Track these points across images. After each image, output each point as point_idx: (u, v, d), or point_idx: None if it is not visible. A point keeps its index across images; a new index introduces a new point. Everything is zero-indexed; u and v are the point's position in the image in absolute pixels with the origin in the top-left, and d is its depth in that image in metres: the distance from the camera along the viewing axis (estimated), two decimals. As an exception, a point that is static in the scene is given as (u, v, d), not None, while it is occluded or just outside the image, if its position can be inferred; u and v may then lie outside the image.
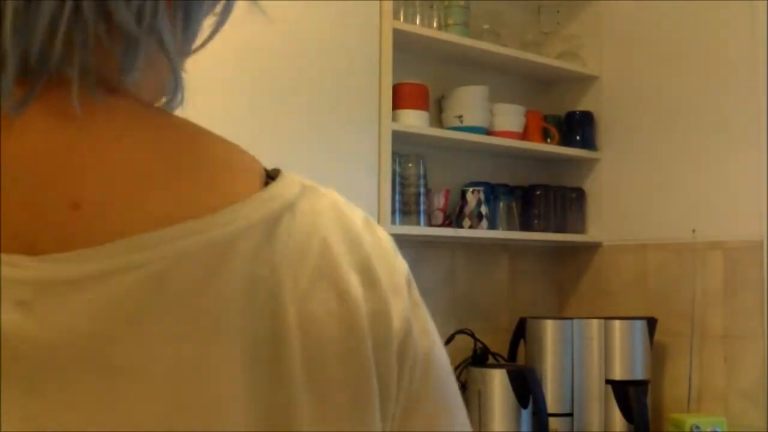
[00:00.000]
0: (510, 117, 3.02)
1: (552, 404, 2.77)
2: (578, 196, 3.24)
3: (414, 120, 2.72)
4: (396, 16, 2.65)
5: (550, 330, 2.87)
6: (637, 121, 3.15)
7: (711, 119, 2.96)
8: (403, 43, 2.65)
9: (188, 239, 0.48)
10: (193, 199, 0.50)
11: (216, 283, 0.48)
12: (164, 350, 0.47)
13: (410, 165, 2.78)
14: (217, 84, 2.18)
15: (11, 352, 0.45)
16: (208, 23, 0.59)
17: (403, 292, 0.56)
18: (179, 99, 0.56)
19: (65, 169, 0.48)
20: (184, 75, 0.56)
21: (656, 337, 2.95)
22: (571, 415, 2.85)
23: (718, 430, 2.71)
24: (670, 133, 3.06)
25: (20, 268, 0.45)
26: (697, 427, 2.68)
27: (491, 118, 2.99)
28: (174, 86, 0.55)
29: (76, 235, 0.47)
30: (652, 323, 2.93)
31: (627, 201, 3.15)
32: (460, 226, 2.88)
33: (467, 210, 2.90)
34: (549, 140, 3.18)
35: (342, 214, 0.56)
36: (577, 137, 3.22)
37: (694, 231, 2.96)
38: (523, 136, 3.07)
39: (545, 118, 3.19)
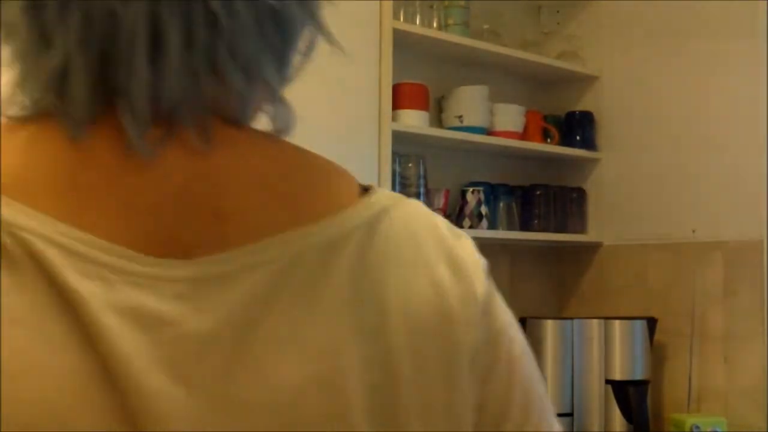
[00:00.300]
0: (510, 117, 3.02)
1: (552, 404, 2.77)
2: (578, 196, 3.24)
3: (414, 120, 2.72)
4: (396, 16, 2.66)
5: (550, 330, 2.87)
6: (637, 121, 3.15)
7: (711, 119, 2.96)
8: (403, 43, 2.65)
9: (306, 240, 0.61)
10: (308, 207, 0.63)
11: (328, 275, 0.61)
12: (296, 329, 0.59)
13: (410, 165, 2.78)
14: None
15: (175, 334, 0.57)
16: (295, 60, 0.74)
17: (482, 278, 0.67)
18: (291, 127, 0.71)
19: (206, 189, 0.60)
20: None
21: (656, 337, 2.95)
22: (571, 415, 2.85)
23: (718, 430, 2.71)
24: (670, 133, 3.06)
25: (176, 268, 0.58)
26: (697, 427, 2.69)
27: (491, 118, 2.99)
28: (287, 118, 0.71)
29: (219, 239, 0.59)
30: (652, 323, 2.94)
31: (627, 201, 3.16)
32: (460, 226, 2.87)
33: (467, 210, 2.91)
34: (549, 140, 3.18)
35: (429, 219, 0.70)
36: (577, 137, 3.22)
37: (694, 231, 2.96)
38: (523, 136, 3.07)
39: (545, 118, 3.19)
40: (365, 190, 0.71)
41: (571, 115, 3.26)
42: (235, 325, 0.58)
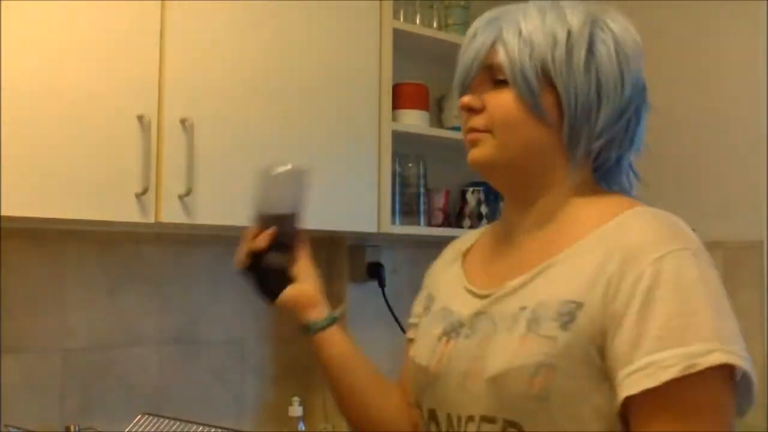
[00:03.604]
0: (510, 117, 3.01)
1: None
2: (578, 196, 3.23)
3: (414, 120, 2.72)
4: (396, 16, 2.66)
5: (550, 330, 2.87)
6: (637, 121, 3.15)
7: (711, 119, 2.96)
8: (403, 43, 2.65)
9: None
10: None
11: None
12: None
13: (410, 165, 2.78)
14: (216, 85, 2.18)
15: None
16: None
17: None
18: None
19: None
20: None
21: (656, 337, 2.94)
22: (571, 415, 2.85)
23: (718, 430, 2.70)
24: (670, 134, 3.06)
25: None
26: (697, 427, 2.68)
27: (491, 118, 2.98)
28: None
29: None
30: (652, 323, 2.93)
31: (627, 201, 3.15)
32: (460, 226, 2.88)
33: (467, 210, 2.91)
34: (549, 140, 3.17)
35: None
36: (577, 137, 3.22)
37: (694, 231, 2.95)
38: (523, 136, 3.06)
39: (545, 118, 3.18)
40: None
41: (571, 115, 3.25)
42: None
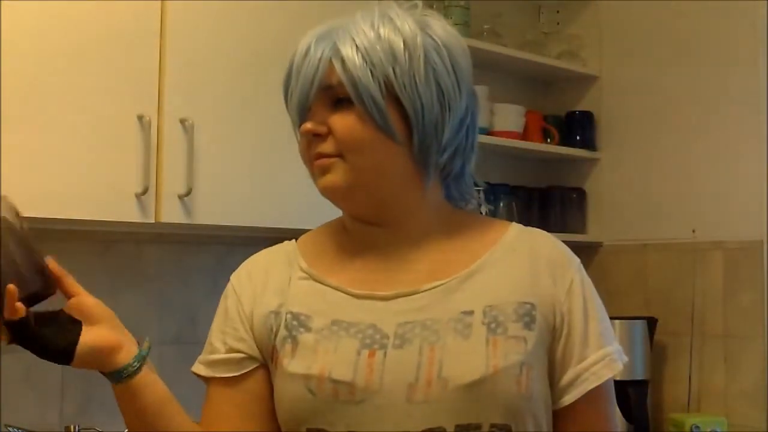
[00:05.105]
0: (510, 117, 3.02)
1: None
2: (578, 196, 3.24)
3: (414, 120, 2.71)
4: (396, 16, 2.65)
5: (550, 330, 2.87)
6: (637, 121, 3.15)
7: (711, 119, 2.96)
8: (403, 43, 2.65)
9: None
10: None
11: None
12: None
13: (410, 165, 2.77)
14: (216, 85, 2.18)
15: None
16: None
17: None
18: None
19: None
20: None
21: (656, 337, 2.95)
22: (571, 415, 2.85)
23: (718, 430, 2.71)
24: (670, 133, 3.06)
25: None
26: (697, 427, 2.68)
27: (491, 118, 2.99)
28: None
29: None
30: (652, 323, 2.93)
31: (627, 201, 3.15)
32: (460, 226, 2.88)
33: (467, 210, 2.90)
34: (549, 140, 3.18)
35: None
36: (577, 137, 3.22)
37: (694, 231, 2.96)
38: (523, 136, 3.07)
39: (545, 118, 3.19)
40: None
41: (571, 115, 3.25)
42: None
